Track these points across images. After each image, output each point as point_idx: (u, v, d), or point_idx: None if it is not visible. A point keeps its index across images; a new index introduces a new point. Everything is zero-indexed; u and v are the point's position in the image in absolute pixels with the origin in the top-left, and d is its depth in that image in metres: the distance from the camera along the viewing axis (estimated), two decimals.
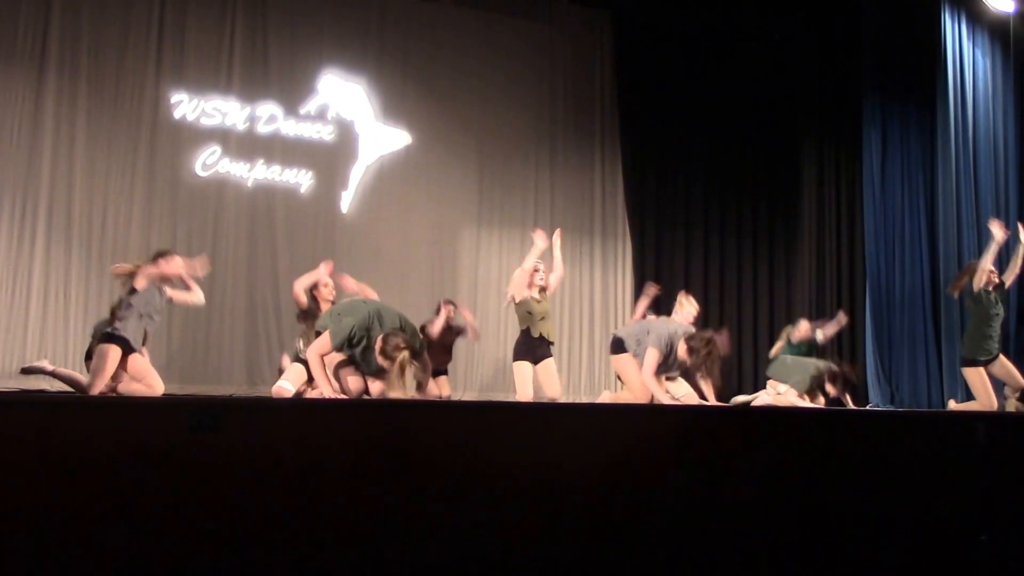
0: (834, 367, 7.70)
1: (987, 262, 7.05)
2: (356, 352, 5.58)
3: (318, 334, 5.64)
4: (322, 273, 6.64)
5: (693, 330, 6.48)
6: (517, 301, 6.93)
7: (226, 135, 9.42)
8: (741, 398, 8.55)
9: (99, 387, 5.77)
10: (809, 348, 8.50)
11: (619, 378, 7.06)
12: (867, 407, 9.46)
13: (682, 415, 5.32)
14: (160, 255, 6.19)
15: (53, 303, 8.57)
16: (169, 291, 6.18)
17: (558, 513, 3.85)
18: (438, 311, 8.15)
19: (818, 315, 10.67)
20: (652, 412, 5.56)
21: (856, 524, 4.48)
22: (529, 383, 6.81)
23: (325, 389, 5.46)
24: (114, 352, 5.85)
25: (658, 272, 10.83)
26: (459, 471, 3.72)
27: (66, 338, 8.58)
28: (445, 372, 8.29)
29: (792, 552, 4.30)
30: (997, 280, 7.10)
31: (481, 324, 10.11)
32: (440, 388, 8.02)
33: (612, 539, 3.93)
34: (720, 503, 4.20)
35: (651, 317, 7.59)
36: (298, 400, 5.62)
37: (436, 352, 7.70)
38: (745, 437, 4.46)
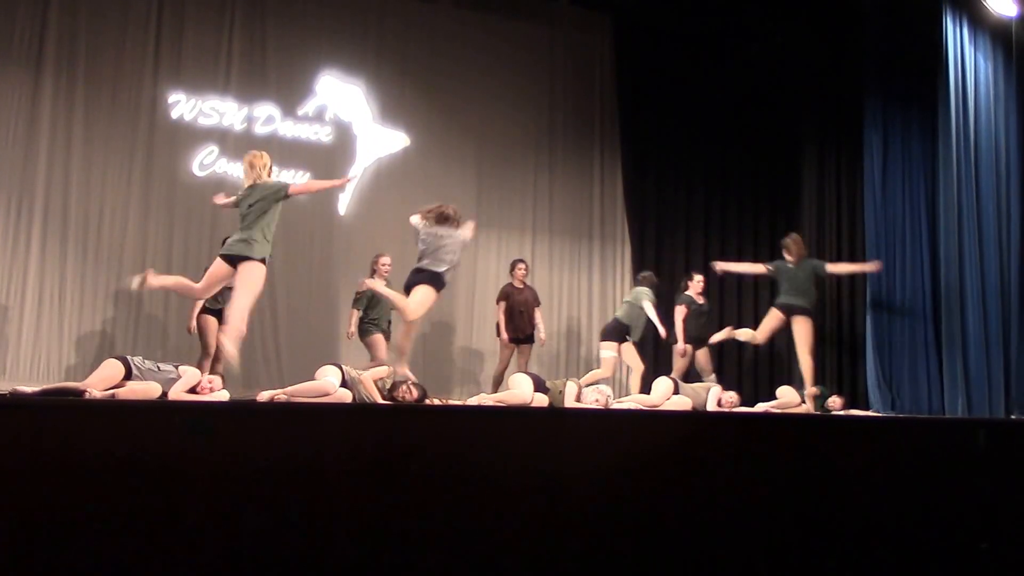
0: None
1: None
2: None
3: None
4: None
5: None
6: None
7: (224, 135, 9.38)
8: (762, 406, 8.58)
9: None
10: None
11: None
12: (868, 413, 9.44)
13: (683, 421, 5.28)
14: None
15: (48, 303, 8.53)
16: None
17: (557, 519, 3.80)
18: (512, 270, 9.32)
19: (818, 318, 10.65)
20: (653, 418, 5.52)
21: (856, 531, 4.44)
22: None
23: None
24: None
25: (658, 275, 10.78)
26: (458, 477, 3.68)
27: (60, 339, 8.54)
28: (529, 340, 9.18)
29: (792, 559, 4.26)
30: None
31: (479, 328, 10.08)
32: (520, 355, 9.12)
33: (612, 544, 3.89)
34: (720, 509, 4.16)
35: None
36: (294, 404, 5.59)
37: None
38: (745, 444, 4.43)
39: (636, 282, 9.56)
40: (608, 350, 8.94)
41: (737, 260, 10.91)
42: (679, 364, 9.28)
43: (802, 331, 8.87)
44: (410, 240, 9.71)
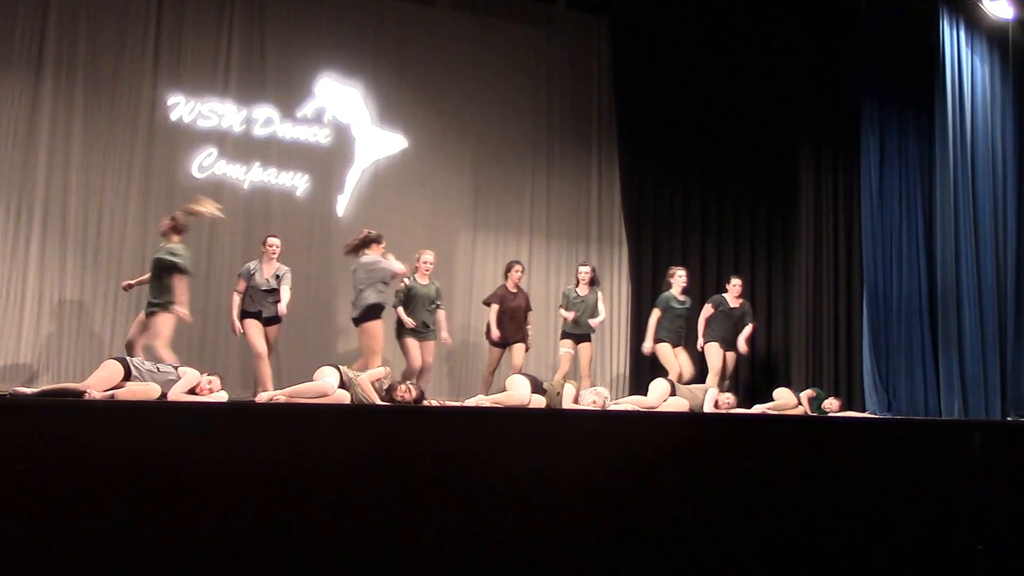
0: None
1: None
2: None
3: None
4: None
5: None
6: None
7: (222, 137, 9.39)
8: (759, 407, 8.59)
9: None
10: None
11: None
12: (864, 414, 9.45)
13: (680, 423, 5.30)
14: None
15: (48, 305, 8.54)
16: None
17: (555, 519, 3.82)
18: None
19: (815, 320, 10.68)
20: (650, 420, 5.54)
21: (853, 532, 4.46)
22: None
23: None
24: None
25: (655, 278, 10.79)
26: (456, 477, 3.69)
27: (60, 340, 8.54)
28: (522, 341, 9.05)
29: (788, 560, 4.27)
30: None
31: (476, 329, 10.08)
32: (514, 356, 8.96)
33: (610, 544, 3.90)
34: (718, 510, 4.18)
35: None
36: (293, 405, 5.60)
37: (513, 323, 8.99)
38: (743, 445, 4.44)
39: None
40: (563, 347, 9.18)
41: (734, 260, 10.96)
42: (716, 368, 9.10)
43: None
44: (406, 243, 9.83)
